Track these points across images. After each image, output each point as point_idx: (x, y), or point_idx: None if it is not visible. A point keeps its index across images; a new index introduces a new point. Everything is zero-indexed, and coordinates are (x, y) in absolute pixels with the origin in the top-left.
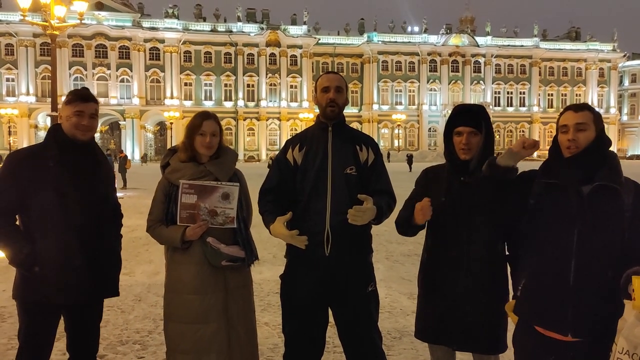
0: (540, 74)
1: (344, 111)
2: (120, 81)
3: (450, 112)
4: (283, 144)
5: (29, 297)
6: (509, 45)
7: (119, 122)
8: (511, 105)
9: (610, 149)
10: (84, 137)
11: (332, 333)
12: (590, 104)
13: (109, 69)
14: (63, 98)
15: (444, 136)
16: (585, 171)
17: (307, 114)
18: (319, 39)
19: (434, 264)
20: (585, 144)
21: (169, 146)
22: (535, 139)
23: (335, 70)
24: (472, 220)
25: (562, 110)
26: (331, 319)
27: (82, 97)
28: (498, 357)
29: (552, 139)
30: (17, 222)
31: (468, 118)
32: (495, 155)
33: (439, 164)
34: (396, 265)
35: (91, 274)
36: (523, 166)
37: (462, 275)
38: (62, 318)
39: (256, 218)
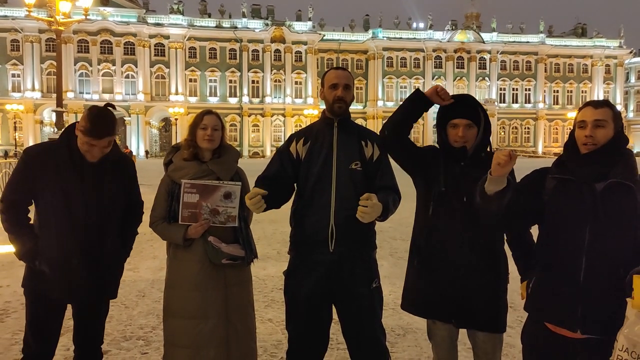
0: (546, 71)
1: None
2: (125, 77)
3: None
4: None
5: (33, 289)
6: (514, 42)
7: (124, 118)
8: (516, 102)
9: (629, 148)
10: (92, 159)
11: (335, 330)
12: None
13: (114, 65)
14: (70, 95)
15: (437, 127)
16: (600, 168)
17: (312, 110)
18: (324, 35)
19: (436, 238)
20: (603, 141)
21: (174, 142)
22: (509, 150)
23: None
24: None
25: (581, 106)
26: (335, 315)
27: (97, 134)
28: (501, 350)
29: (568, 134)
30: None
31: (463, 110)
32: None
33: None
34: (400, 261)
35: (89, 274)
36: (531, 164)
37: (465, 254)
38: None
39: (259, 214)
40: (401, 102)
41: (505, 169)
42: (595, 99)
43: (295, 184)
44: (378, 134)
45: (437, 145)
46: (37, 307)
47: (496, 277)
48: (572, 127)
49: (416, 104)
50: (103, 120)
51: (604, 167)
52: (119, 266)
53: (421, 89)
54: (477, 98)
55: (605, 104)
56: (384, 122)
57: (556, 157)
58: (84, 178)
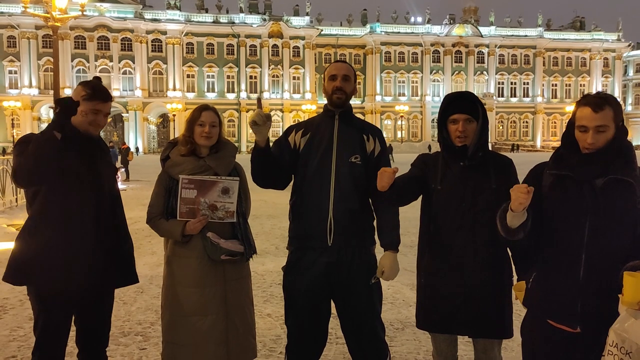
0: (544, 64)
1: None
2: (123, 73)
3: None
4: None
5: (46, 287)
6: (512, 36)
7: (122, 115)
8: (515, 96)
9: (628, 140)
10: (96, 133)
11: (334, 324)
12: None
13: (111, 61)
14: (67, 91)
15: (438, 124)
16: (600, 166)
17: (310, 106)
18: (322, 30)
19: (439, 253)
20: (605, 143)
21: (171, 138)
22: (525, 186)
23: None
24: (477, 203)
25: (579, 100)
26: (334, 310)
27: (103, 97)
28: (501, 344)
29: (565, 124)
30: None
31: (462, 105)
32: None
33: (434, 152)
34: (399, 256)
35: (107, 261)
36: (530, 158)
37: (469, 260)
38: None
39: (258, 210)
40: (399, 96)
41: (525, 204)
42: (593, 91)
43: (292, 176)
44: (381, 132)
45: (433, 147)
46: (51, 307)
47: (503, 280)
48: (569, 119)
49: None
50: (102, 86)
51: (604, 163)
52: (132, 248)
53: (419, 83)
54: (475, 92)
55: (606, 102)
56: (382, 117)
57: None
58: (86, 161)
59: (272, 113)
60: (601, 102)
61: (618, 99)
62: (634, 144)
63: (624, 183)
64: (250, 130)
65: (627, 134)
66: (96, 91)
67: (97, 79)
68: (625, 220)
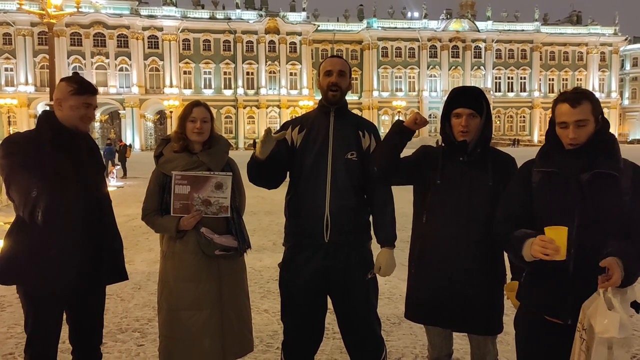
0: (541, 59)
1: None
2: (119, 70)
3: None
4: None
5: (35, 288)
6: (509, 30)
7: (119, 112)
8: (512, 91)
9: (611, 132)
10: (86, 129)
11: (331, 320)
12: (591, 88)
13: (107, 57)
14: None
15: (441, 118)
16: (585, 160)
17: (307, 102)
18: (318, 26)
19: (430, 244)
20: (586, 137)
21: (165, 135)
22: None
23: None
24: (473, 199)
25: (557, 97)
26: (330, 305)
27: (90, 90)
28: (495, 338)
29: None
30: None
31: (467, 100)
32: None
33: (437, 146)
34: (395, 251)
35: (96, 259)
36: (523, 154)
37: (461, 256)
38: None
39: (256, 206)
40: (396, 92)
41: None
42: (590, 87)
43: (288, 172)
44: (376, 127)
45: (437, 142)
46: (40, 306)
47: (494, 278)
48: (550, 117)
49: (400, 136)
50: (86, 79)
51: (589, 158)
52: (122, 247)
53: (416, 78)
54: None
55: (583, 97)
56: (379, 112)
57: None
58: (74, 159)
59: (269, 109)
60: (578, 96)
61: (615, 94)
62: (631, 138)
63: (609, 176)
64: (248, 127)
65: (609, 127)
66: (84, 84)
67: (77, 74)
68: (612, 213)
